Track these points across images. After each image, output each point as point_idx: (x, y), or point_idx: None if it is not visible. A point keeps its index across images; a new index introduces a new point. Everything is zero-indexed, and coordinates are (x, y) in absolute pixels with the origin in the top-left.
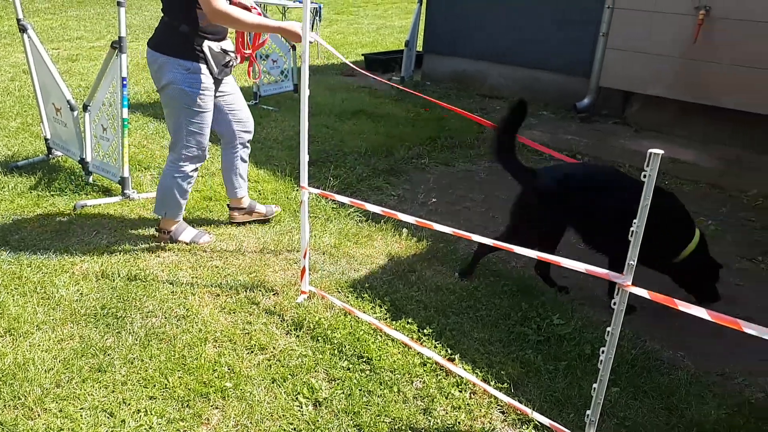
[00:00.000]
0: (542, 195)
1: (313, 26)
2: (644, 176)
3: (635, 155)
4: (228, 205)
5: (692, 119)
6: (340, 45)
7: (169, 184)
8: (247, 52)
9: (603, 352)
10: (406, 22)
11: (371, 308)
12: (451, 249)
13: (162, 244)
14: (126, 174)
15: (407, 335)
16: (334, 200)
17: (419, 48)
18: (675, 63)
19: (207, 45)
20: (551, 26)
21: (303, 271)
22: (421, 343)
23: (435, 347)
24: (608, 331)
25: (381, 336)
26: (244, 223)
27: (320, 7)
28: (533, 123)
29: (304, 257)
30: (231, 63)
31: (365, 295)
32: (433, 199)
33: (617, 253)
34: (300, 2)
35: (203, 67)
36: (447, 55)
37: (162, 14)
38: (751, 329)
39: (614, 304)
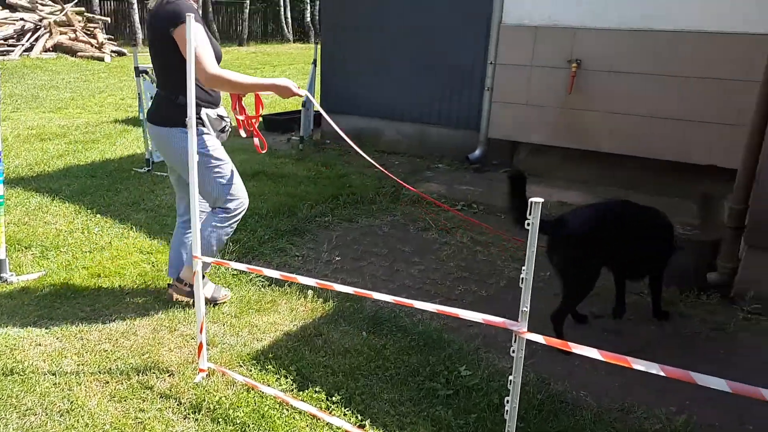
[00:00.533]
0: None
1: None
2: (528, 225)
3: None
4: (169, 283)
5: (575, 163)
6: None
7: (218, 233)
8: (240, 117)
9: (508, 401)
10: (304, 82)
11: (276, 380)
12: (357, 307)
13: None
14: (2, 256)
15: (315, 405)
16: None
17: (317, 107)
18: (554, 113)
19: (205, 112)
20: (439, 83)
21: (200, 347)
22: (330, 413)
23: (345, 415)
24: (510, 380)
25: (287, 409)
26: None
27: None
28: (429, 176)
29: (201, 332)
30: (226, 128)
31: (269, 366)
32: (337, 258)
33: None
34: None
35: (204, 129)
36: (344, 113)
37: (157, 89)
38: (639, 365)
39: (513, 351)
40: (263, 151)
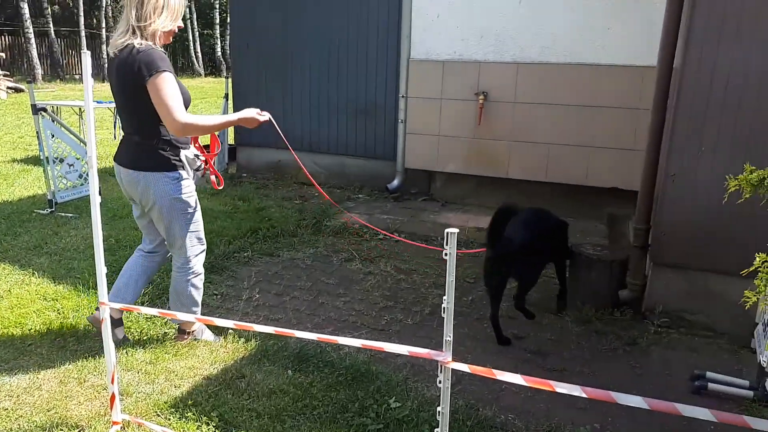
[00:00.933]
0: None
1: (115, 126)
2: (445, 255)
3: (444, 227)
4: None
5: (487, 190)
6: None
7: (184, 287)
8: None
9: None
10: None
11: (197, 428)
12: (281, 345)
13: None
14: None
15: None
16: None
17: (231, 141)
18: (466, 143)
19: (183, 154)
20: (355, 116)
21: (112, 398)
22: None
23: None
24: (439, 411)
25: None
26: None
27: None
28: (350, 206)
29: (112, 382)
30: (200, 167)
31: (189, 414)
32: (258, 294)
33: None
34: (99, 103)
35: (183, 173)
36: (261, 146)
37: (127, 134)
38: (562, 388)
39: (440, 382)
40: (220, 188)
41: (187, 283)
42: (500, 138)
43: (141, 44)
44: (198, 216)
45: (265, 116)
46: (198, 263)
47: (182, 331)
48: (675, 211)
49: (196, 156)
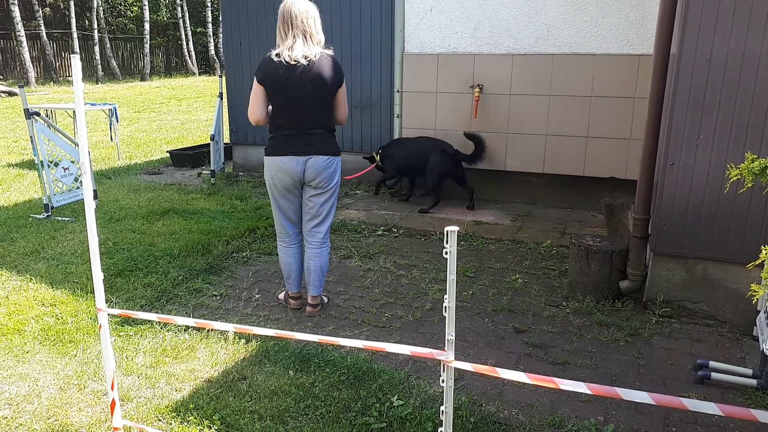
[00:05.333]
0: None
1: (111, 128)
2: (446, 253)
3: (442, 222)
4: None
5: (485, 183)
6: (144, 143)
7: (327, 259)
8: None
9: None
10: (212, 114)
11: (199, 431)
12: (282, 345)
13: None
14: None
15: None
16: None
17: (227, 140)
18: (462, 136)
19: None
20: (349, 112)
21: (113, 404)
22: None
23: None
24: (442, 410)
25: None
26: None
27: (115, 108)
28: (348, 202)
29: (112, 388)
30: None
31: (191, 417)
32: (257, 295)
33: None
34: (93, 105)
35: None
36: (255, 144)
37: (311, 129)
38: (566, 385)
39: (443, 381)
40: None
41: (329, 253)
42: (496, 130)
43: (329, 53)
44: None
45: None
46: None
47: (316, 306)
48: (675, 200)
49: None
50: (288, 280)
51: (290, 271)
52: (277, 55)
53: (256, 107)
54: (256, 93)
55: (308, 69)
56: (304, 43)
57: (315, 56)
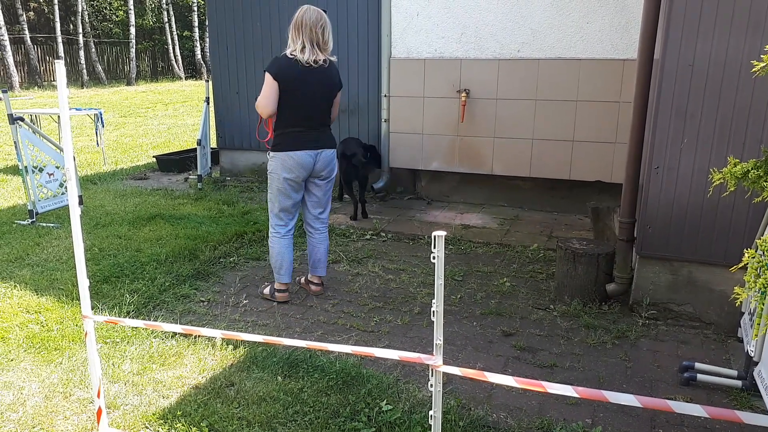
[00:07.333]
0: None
1: (97, 133)
2: (433, 258)
3: (431, 226)
4: (310, 280)
5: (472, 187)
6: (130, 148)
7: (328, 242)
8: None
9: None
10: (199, 119)
11: None
12: (271, 350)
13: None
14: None
15: None
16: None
17: (214, 145)
18: (449, 140)
19: None
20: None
21: (99, 412)
22: None
23: None
24: (431, 415)
25: None
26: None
27: (101, 113)
28: (336, 207)
29: (99, 396)
30: None
31: (178, 424)
32: (245, 300)
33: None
34: (78, 110)
35: None
36: (242, 149)
37: (320, 126)
38: (553, 389)
39: (431, 386)
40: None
41: (327, 241)
42: (483, 135)
43: (333, 59)
44: None
45: None
46: None
47: (321, 284)
48: (660, 203)
49: None
50: (280, 271)
51: (283, 261)
52: (292, 53)
53: (271, 101)
54: (271, 87)
55: (321, 71)
56: (312, 49)
57: (324, 61)
